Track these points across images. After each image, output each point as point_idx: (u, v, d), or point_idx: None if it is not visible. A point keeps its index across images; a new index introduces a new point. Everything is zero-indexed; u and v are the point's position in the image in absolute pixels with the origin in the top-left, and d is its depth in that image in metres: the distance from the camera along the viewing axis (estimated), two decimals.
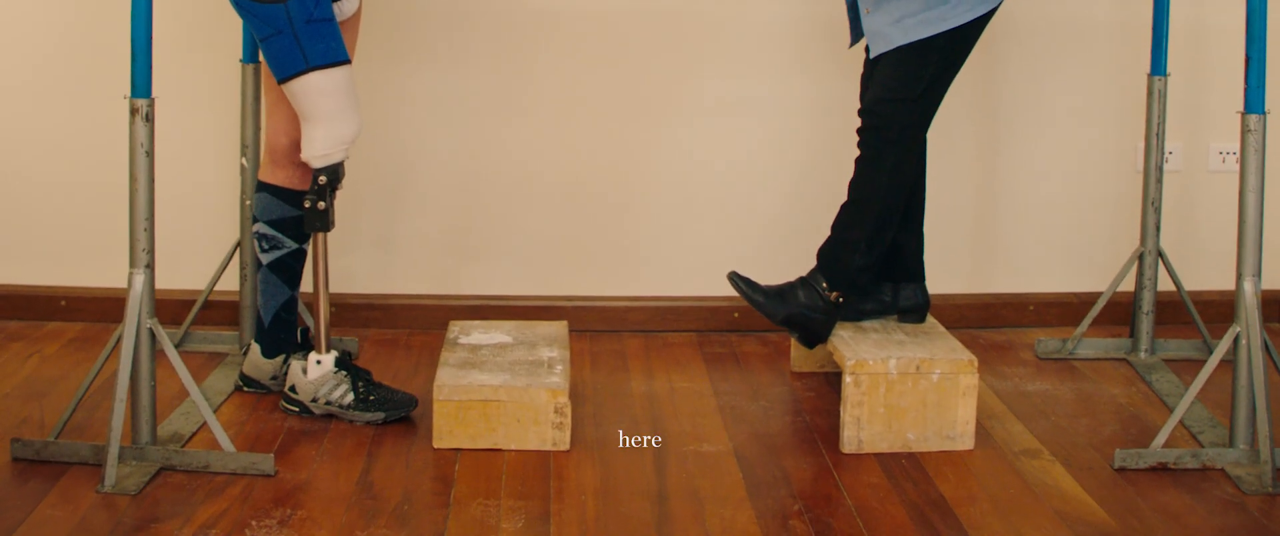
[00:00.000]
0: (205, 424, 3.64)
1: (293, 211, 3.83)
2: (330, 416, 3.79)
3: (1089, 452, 3.67)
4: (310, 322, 4.17)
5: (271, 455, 3.44)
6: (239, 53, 4.24)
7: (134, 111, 3.37)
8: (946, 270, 4.74)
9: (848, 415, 3.64)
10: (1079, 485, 3.47)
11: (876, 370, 3.64)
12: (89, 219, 4.57)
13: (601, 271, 4.68)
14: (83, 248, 4.60)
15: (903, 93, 3.81)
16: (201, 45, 4.47)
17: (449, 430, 3.62)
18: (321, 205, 3.69)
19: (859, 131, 3.92)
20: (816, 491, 3.42)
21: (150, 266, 3.43)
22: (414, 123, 4.55)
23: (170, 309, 4.42)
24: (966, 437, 3.68)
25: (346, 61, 3.64)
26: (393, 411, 3.77)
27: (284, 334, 3.93)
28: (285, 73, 3.60)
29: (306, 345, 3.93)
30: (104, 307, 4.56)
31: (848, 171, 4.57)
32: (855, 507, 3.33)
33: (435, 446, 3.62)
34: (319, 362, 3.78)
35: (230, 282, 4.36)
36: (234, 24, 4.29)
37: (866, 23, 3.83)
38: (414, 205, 4.60)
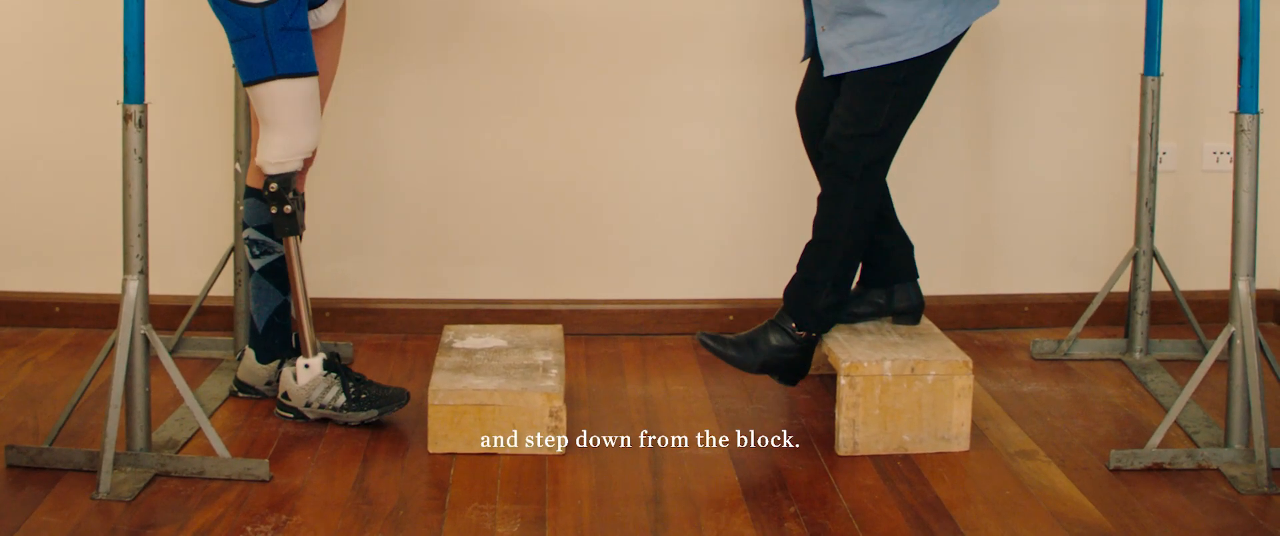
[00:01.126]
0: (200, 429, 3.63)
1: None
2: (325, 420, 3.79)
3: (1084, 453, 3.67)
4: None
5: (266, 460, 3.44)
6: (231, 58, 4.23)
7: (127, 117, 3.37)
8: (941, 271, 4.75)
9: (843, 417, 3.64)
10: (1074, 486, 3.47)
11: (871, 372, 3.64)
12: (83, 225, 4.56)
13: (596, 274, 4.68)
14: (76, 253, 4.59)
15: (863, 127, 3.74)
16: (194, 51, 4.47)
17: (444, 434, 3.61)
18: (288, 210, 3.69)
19: (819, 168, 3.88)
20: (812, 493, 3.42)
21: (144, 272, 3.42)
22: (406, 127, 4.55)
23: (164, 314, 4.41)
24: (962, 439, 3.68)
25: (314, 73, 3.65)
26: (386, 406, 3.76)
27: (278, 339, 3.93)
28: (252, 77, 3.60)
29: (300, 350, 3.92)
30: (98, 313, 4.56)
31: None
32: (851, 509, 3.32)
33: (430, 451, 3.61)
34: (307, 366, 3.78)
35: (224, 288, 4.36)
36: None
37: (821, 41, 3.79)
38: (407, 209, 4.60)
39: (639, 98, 4.61)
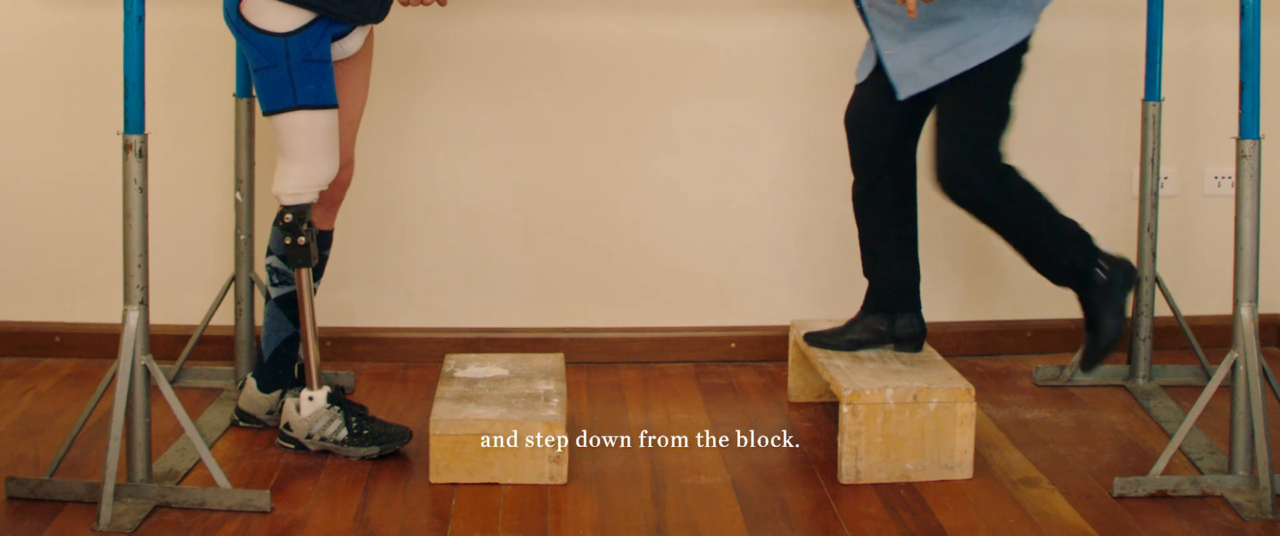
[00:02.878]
0: (201, 460, 3.63)
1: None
2: (326, 452, 3.78)
3: (1088, 480, 3.66)
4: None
5: (267, 491, 3.43)
6: (232, 88, 4.24)
7: (127, 147, 3.37)
8: (943, 297, 4.74)
9: (845, 445, 3.63)
10: (1078, 514, 3.46)
11: (873, 400, 3.63)
12: (83, 254, 4.56)
13: (597, 303, 4.68)
14: (77, 283, 4.59)
15: (968, 144, 3.73)
16: (195, 81, 4.47)
17: (445, 464, 3.60)
18: (302, 241, 3.69)
19: (958, 201, 3.81)
20: (815, 523, 3.41)
21: (144, 303, 3.42)
22: (409, 156, 4.55)
23: (165, 344, 4.41)
24: (965, 467, 3.67)
25: (334, 105, 3.65)
26: (387, 445, 3.75)
27: (282, 370, 3.92)
28: (272, 106, 3.61)
29: (303, 381, 3.91)
30: (99, 343, 4.55)
31: (841, 195, 4.57)
32: None
33: (432, 481, 3.60)
34: (311, 399, 3.77)
35: (225, 318, 4.35)
36: (228, 59, 4.30)
37: (891, 65, 3.78)
38: (409, 239, 4.59)
39: (641, 127, 4.60)
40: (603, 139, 4.60)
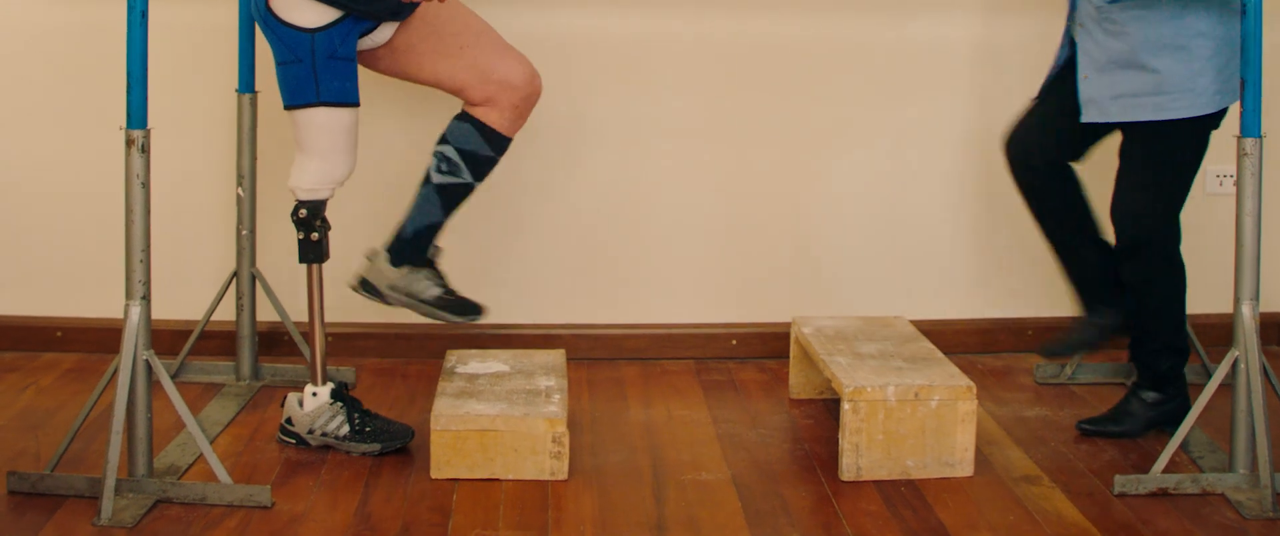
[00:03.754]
0: (202, 455, 3.63)
1: (486, 150, 3.84)
2: (327, 448, 3.78)
3: (1089, 478, 3.66)
4: (307, 352, 4.17)
5: (268, 486, 3.43)
6: (235, 83, 4.24)
7: (130, 142, 3.37)
8: (944, 295, 4.74)
9: (846, 442, 3.63)
10: (1079, 511, 3.46)
11: (875, 397, 3.63)
12: (85, 250, 4.56)
13: (598, 299, 4.68)
14: (79, 278, 4.59)
15: (1144, 189, 3.81)
16: (198, 76, 4.48)
17: (446, 460, 3.60)
18: (315, 236, 3.70)
19: (1123, 248, 3.90)
20: (815, 520, 3.41)
21: (146, 298, 3.42)
22: (407, 150, 4.54)
23: (167, 339, 4.41)
24: (966, 464, 3.67)
25: (355, 104, 3.66)
26: (389, 442, 3.76)
27: (414, 250, 3.90)
28: (294, 101, 3.62)
29: (431, 264, 3.92)
30: (100, 338, 4.56)
31: (842, 193, 4.59)
32: None
33: (433, 476, 3.61)
34: (314, 394, 3.78)
35: (227, 313, 4.35)
36: (230, 54, 4.30)
37: (1084, 88, 3.81)
38: None
39: (642, 122, 4.61)
40: (603, 135, 4.60)
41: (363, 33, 3.69)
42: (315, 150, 3.66)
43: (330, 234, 3.79)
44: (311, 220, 3.70)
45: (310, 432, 3.78)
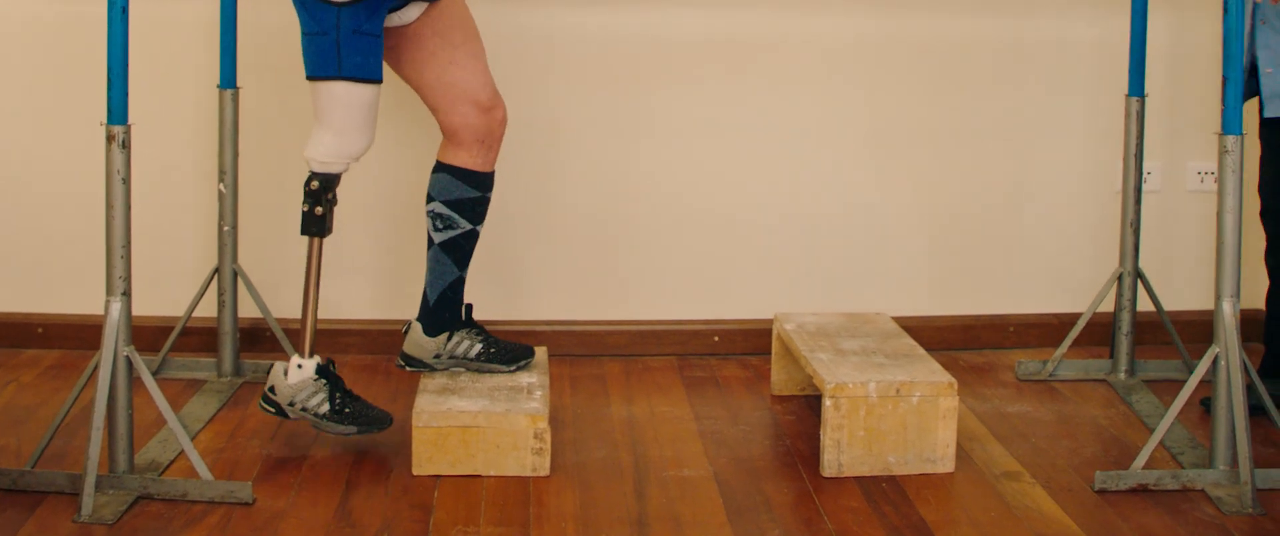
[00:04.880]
0: (183, 452, 3.62)
1: (472, 192, 3.86)
2: (319, 428, 3.75)
3: (1069, 474, 3.67)
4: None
5: (249, 483, 3.43)
6: (216, 79, 4.23)
7: (110, 138, 3.36)
8: (925, 292, 4.75)
9: (828, 438, 3.64)
10: (1059, 507, 3.46)
11: (856, 393, 3.64)
12: (66, 245, 4.55)
13: (580, 295, 4.68)
14: (60, 274, 4.58)
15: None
16: (179, 71, 4.47)
17: (428, 457, 3.60)
18: (319, 210, 3.68)
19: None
20: (797, 516, 3.41)
21: (127, 293, 3.41)
22: (392, 150, 4.54)
23: (148, 335, 4.40)
24: (947, 460, 3.67)
25: (377, 81, 3.63)
26: (366, 426, 3.73)
27: (449, 313, 3.92)
28: (316, 72, 3.61)
29: (470, 322, 3.94)
30: (81, 334, 4.55)
31: (833, 192, 4.59)
32: (836, 532, 3.32)
33: (414, 473, 3.60)
34: (300, 366, 3.73)
35: (208, 309, 4.34)
36: (211, 50, 4.29)
37: (1266, 83, 3.83)
38: (394, 232, 4.59)
39: (623, 118, 4.60)
40: (584, 131, 4.60)
41: (392, 8, 3.68)
42: (332, 124, 3.64)
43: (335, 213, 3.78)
44: (321, 193, 3.67)
45: (291, 405, 3.73)
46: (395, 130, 4.52)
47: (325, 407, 3.73)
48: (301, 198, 3.73)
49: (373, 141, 3.72)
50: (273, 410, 3.76)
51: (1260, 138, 4.03)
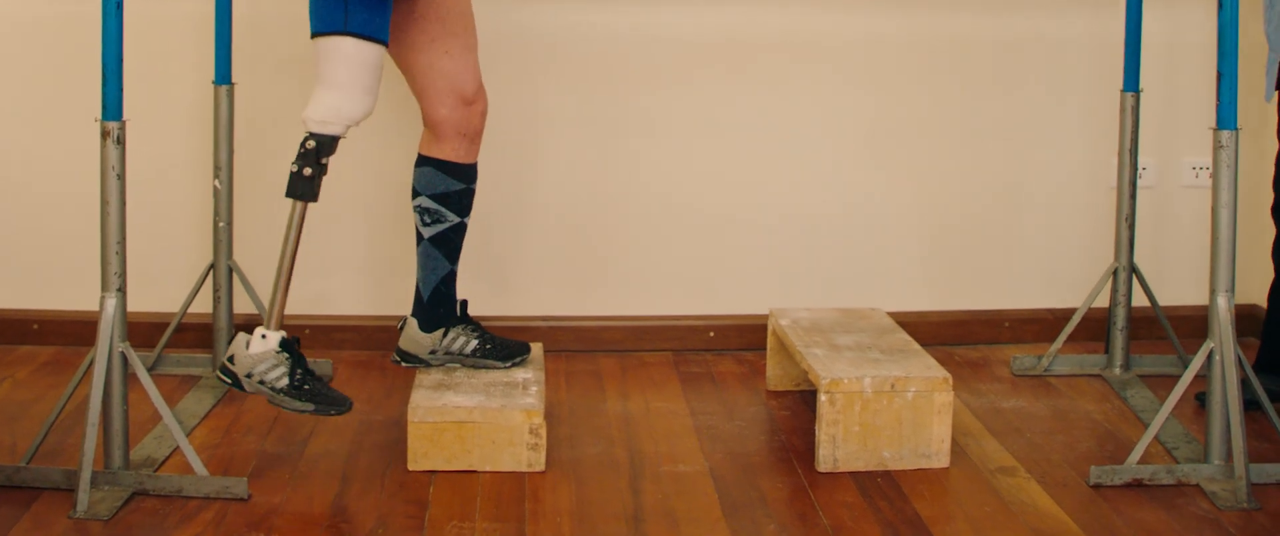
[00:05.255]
0: (178, 448, 3.62)
1: (457, 185, 3.84)
2: (264, 398, 3.70)
3: (1064, 469, 3.67)
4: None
5: (245, 479, 3.43)
6: (211, 74, 4.23)
7: (105, 134, 3.36)
8: (920, 287, 4.75)
9: (823, 434, 3.64)
10: (1054, 502, 3.47)
11: (851, 388, 3.64)
12: (61, 242, 4.55)
13: (576, 291, 4.68)
14: (55, 271, 4.58)
15: None
16: (173, 67, 4.46)
17: (423, 452, 3.60)
18: (309, 172, 3.57)
19: None
20: (792, 511, 3.41)
21: (122, 289, 3.41)
22: (388, 146, 4.54)
23: (143, 331, 4.40)
24: (942, 455, 3.68)
25: (383, 42, 3.56)
26: (324, 407, 3.60)
27: (444, 308, 3.91)
28: (321, 28, 3.54)
29: (466, 318, 3.93)
30: (77, 331, 4.54)
31: (828, 188, 4.59)
32: (831, 527, 3.32)
33: (410, 468, 3.60)
34: (263, 337, 3.61)
35: (203, 305, 4.34)
36: (206, 46, 4.29)
37: None
38: (388, 227, 4.59)
39: (619, 115, 4.60)
40: (580, 128, 4.60)
41: None
42: (334, 82, 3.56)
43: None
44: (316, 155, 3.57)
45: (248, 376, 3.61)
46: (388, 126, 4.52)
47: (284, 382, 3.60)
48: (297, 165, 3.59)
49: (372, 111, 3.63)
50: (228, 381, 3.63)
51: (1279, 132, 4.03)
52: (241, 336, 3.64)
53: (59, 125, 4.48)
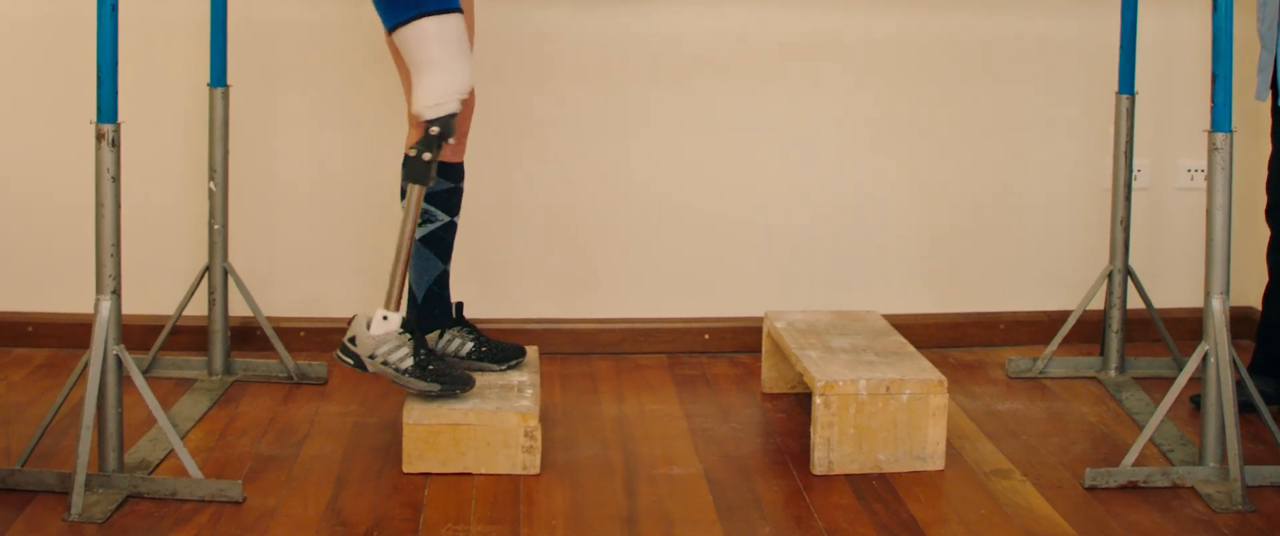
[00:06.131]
0: (173, 450, 3.62)
1: (445, 184, 3.83)
2: (385, 377, 3.69)
3: (1059, 472, 3.67)
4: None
5: (240, 482, 3.42)
6: (206, 77, 4.23)
7: (100, 136, 3.35)
8: (916, 290, 4.75)
9: (818, 436, 3.64)
10: (1050, 505, 3.47)
11: (846, 391, 3.64)
12: (56, 244, 4.54)
13: (571, 294, 4.68)
14: (50, 273, 4.57)
15: None
16: (168, 70, 4.46)
17: (419, 454, 3.60)
18: (427, 156, 3.59)
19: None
20: (787, 514, 3.41)
21: (117, 292, 3.41)
22: (383, 147, 4.54)
23: (138, 334, 4.40)
24: (937, 458, 3.68)
25: (458, 9, 3.58)
26: (449, 386, 3.65)
27: (439, 309, 3.90)
28: (397, 19, 3.55)
29: (462, 321, 3.92)
30: (71, 333, 4.54)
31: (824, 191, 4.58)
32: (826, 529, 3.32)
33: (405, 470, 3.60)
34: (385, 318, 3.65)
35: (198, 308, 4.34)
36: (202, 48, 4.29)
37: None
38: (384, 230, 4.58)
39: (614, 116, 4.60)
40: (575, 129, 4.60)
41: None
42: (430, 63, 3.57)
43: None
44: (443, 138, 3.59)
45: (372, 357, 3.65)
46: (381, 127, 4.52)
47: (409, 362, 3.64)
48: (417, 150, 3.59)
49: (472, 72, 3.64)
50: (351, 361, 3.67)
51: (1273, 135, 4.02)
52: (361, 316, 3.66)
53: (54, 127, 4.47)
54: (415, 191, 3.63)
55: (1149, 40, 4.60)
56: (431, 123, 3.59)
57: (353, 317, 3.70)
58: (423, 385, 3.64)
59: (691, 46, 4.60)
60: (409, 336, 3.67)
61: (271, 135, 4.49)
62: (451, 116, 3.61)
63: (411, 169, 3.61)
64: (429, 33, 3.55)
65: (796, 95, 4.63)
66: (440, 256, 3.87)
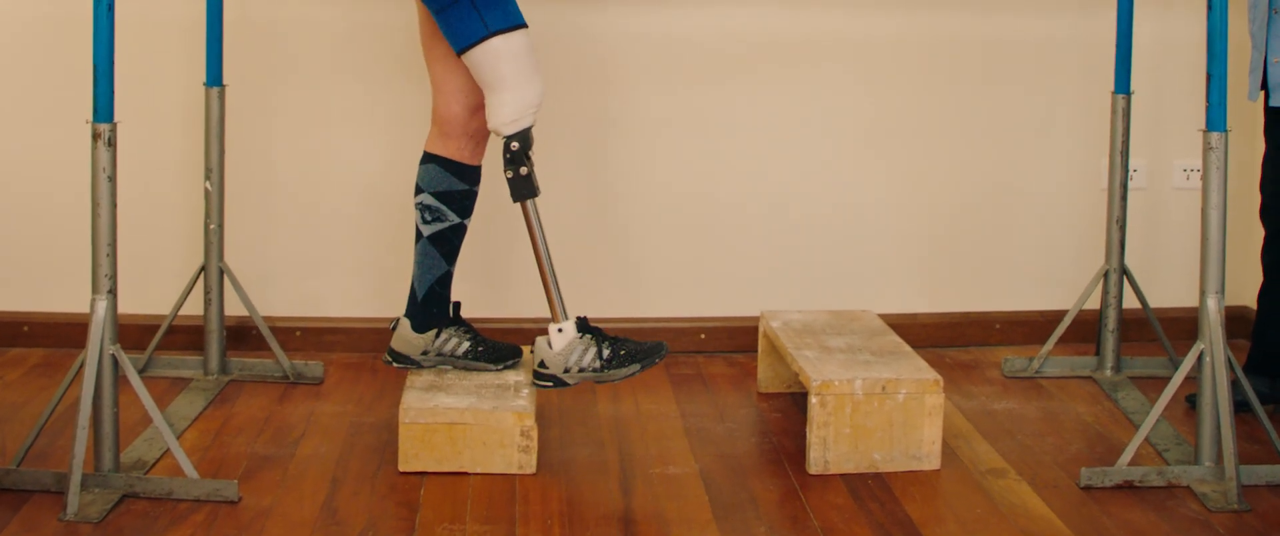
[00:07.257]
0: (169, 450, 3.62)
1: (460, 185, 3.83)
2: (594, 382, 3.72)
3: (1055, 471, 3.68)
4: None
5: (235, 481, 3.42)
6: (202, 76, 4.23)
7: (96, 136, 3.35)
8: (912, 289, 4.75)
9: (814, 436, 3.64)
10: (1045, 504, 3.47)
11: (842, 391, 3.64)
12: (52, 244, 4.54)
13: (567, 293, 4.66)
14: (46, 272, 4.57)
15: None
16: (165, 69, 4.46)
17: (415, 454, 3.60)
18: (525, 170, 3.65)
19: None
20: (783, 513, 3.41)
21: (113, 292, 3.40)
22: (382, 148, 4.54)
23: (134, 333, 4.40)
24: (933, 457, 3.68)
25: (524, 25, 3.62)
26: (647, 359, 3.66)
27: (437, 308, 3.90)
28: (465, 42, 3.58)
29: (459, 320, 3.92)
30: (67, 333, 4.54)
31: (820, 190, 4.58)
32: (821, 529, 3.32)
33: (401, 469, 3.60)
34: (560, 330, 3.69)
35: (194, 308, 4.34)
36: (198, 48, 4.29)
37: (1274, 73, 3.83)
38: (380, 229, 4.59)
39: (610, 116, 4.61)
40: (570, 128, 4.60)
41: None
42: (502, 82, 3.61)
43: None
44: (523, 153, 3.64)
45: (567, 371, 3.69)
46: (379, 130, 4.52)
47: (600, 359, 3.68)
48: (505, 165, 3.65)
49: (544, 84, 3.69)
50: (550, 384, 3.71)
51: (1265, 134, 4.03)
52: (540, 341, 3.71)
53: (50, 127, 4.47)
54: (531, 206, 3.69)
55: (1145, 40, 4.60)
56: (510, 138, 3.64)
57: (532, 345, 3.78)
58: (624, 371, 3.68)
59: (688, 47, 4.60)
60: (589, 336, 3.70)
61: (268, 135, 4.49)
62: (529, 130, 3.66)
63: (517, 189, 3.67)
64: (499, 52, 3.59)
65: (792, 95, 4.63)
66: (446, 257, 3.87)
